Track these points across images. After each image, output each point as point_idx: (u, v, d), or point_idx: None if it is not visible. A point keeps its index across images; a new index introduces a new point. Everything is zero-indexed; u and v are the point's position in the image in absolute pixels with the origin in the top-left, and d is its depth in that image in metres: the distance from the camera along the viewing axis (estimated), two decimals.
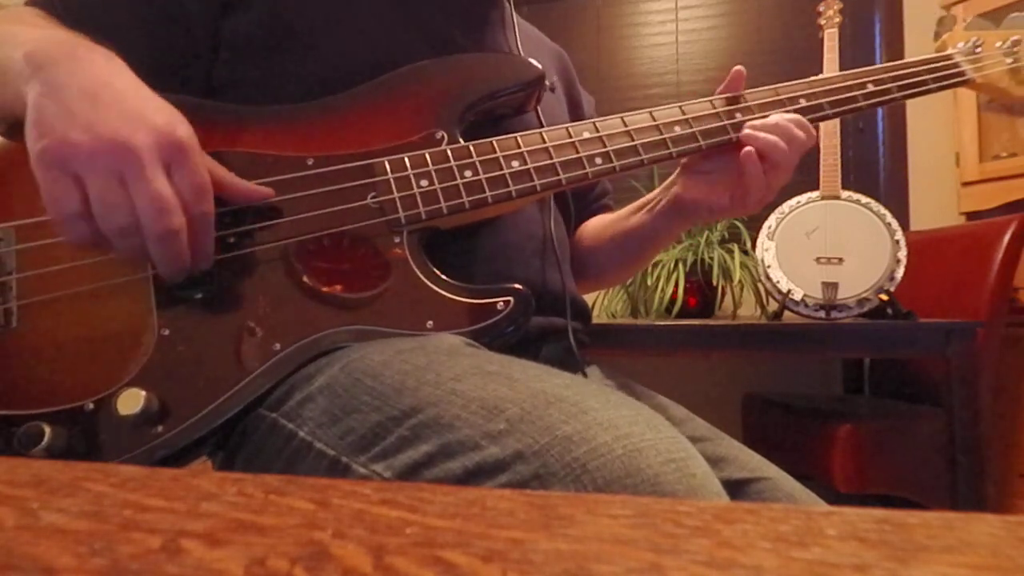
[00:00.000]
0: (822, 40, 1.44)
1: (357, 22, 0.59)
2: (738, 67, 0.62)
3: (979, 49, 0.69)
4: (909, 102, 1.98)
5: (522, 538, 0.14)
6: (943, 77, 0.67)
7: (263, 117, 0.54)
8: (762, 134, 0.59)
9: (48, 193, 0.42)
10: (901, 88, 0.65)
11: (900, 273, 1.30)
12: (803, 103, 0.62)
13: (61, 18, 0.53)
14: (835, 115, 0.64)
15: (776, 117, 0.60)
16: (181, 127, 0.45)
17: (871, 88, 0.64)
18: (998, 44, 0.70)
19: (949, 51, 0.70)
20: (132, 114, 0.43)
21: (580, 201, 0.79)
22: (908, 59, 0.68)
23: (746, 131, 0.60)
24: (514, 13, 0.71)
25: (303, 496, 0.17)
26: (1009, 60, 0.69)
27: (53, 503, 0.17)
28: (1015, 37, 0.69)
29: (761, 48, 2.16)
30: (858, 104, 0.64)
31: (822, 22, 1.45)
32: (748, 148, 0.59)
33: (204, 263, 0.47)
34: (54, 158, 0.41)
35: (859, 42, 2.07)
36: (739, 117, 0.61)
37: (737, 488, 0.54)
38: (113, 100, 0.43)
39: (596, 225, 0.79)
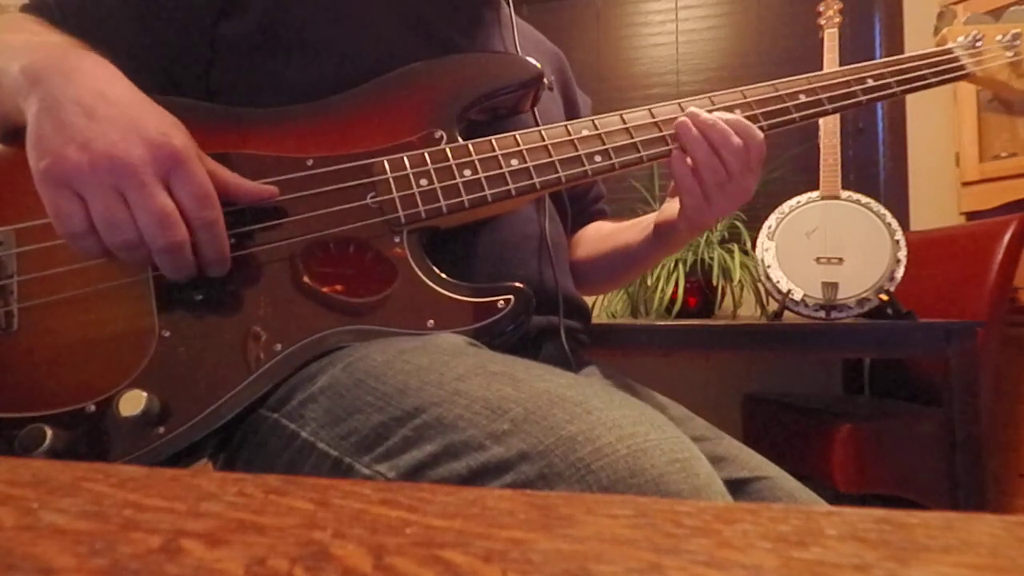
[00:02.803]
0: (822, 40, 1.44)
1: (355, 25, 0.59)
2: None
3: (979, 43, 0.69)
4: (909, 102, 1.99)
5: (522, 538, 0.14)
6: (943, 71, 0.66)
7: (262, 118, 0.54)
8: (692, 130, 0.55)
9: (54, 212, 0.43)
10: (901, 83, 0.64)
11: (900, 273, 1.30)
12: (802, 98, 0.61)
13: (58, 24, 0.53)
14: (835, 110, 0.62)
15: (719, 115, 0.56)
16: (177, 136, 0.45)
17: (871, 83, 0.63)
18: (998, 38, 0.69)
19: (949, 45, 0.70)
20: (127, 126, 0.43)
21: (577, 203, 0.79)
22: (908, 53, 0.67)
23: (680, 119, 0.56)
24: (512, 13, 0.71)
25: (303, 496, 0.17)
26: (1009, 54, 0.68)
27: (53, 503, 0.17)
28: (1016, 30, 0.69)
29: (761, 48, 2.16)
30: (858, 99, 0.63)
31: (822, 22, 1.45)
32: (674, 146, 0.56)
33: (220, 268, 0.47)
34: (55, 177, 0.42)
35: (859, 42, 2.07)
36: (738, 114, 0.61)
37: (737, 487, 0.54)
38: (107, 112, 0.44)
39: (592, 235, 0.80)
